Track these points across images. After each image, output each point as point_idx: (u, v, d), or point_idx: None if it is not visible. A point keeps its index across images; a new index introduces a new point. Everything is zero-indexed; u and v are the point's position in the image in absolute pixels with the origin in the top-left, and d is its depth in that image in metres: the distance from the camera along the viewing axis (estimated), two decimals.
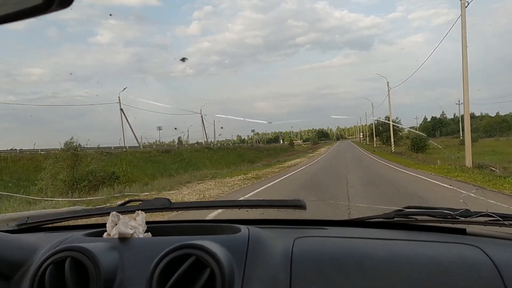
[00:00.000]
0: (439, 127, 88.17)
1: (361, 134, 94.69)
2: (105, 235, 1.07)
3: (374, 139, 54.02)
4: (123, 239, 0.99)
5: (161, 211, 1.36)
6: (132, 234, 1.01)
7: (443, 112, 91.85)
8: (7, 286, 0.94)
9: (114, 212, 1.09)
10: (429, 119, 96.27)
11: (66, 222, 1.51)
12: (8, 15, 0.49)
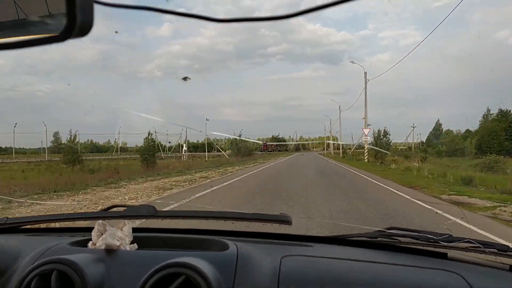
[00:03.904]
0: None
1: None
2: (90, 244, 1.05)
3: None
4: (110, 251, 0.97)
5: (146, 219, 1.34)
6: (118, 245, 1.00)
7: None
8: None
9: (100, 221, 1.07)
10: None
11: (47, 224, 1.48)
12: (25, 41, 0.48)
